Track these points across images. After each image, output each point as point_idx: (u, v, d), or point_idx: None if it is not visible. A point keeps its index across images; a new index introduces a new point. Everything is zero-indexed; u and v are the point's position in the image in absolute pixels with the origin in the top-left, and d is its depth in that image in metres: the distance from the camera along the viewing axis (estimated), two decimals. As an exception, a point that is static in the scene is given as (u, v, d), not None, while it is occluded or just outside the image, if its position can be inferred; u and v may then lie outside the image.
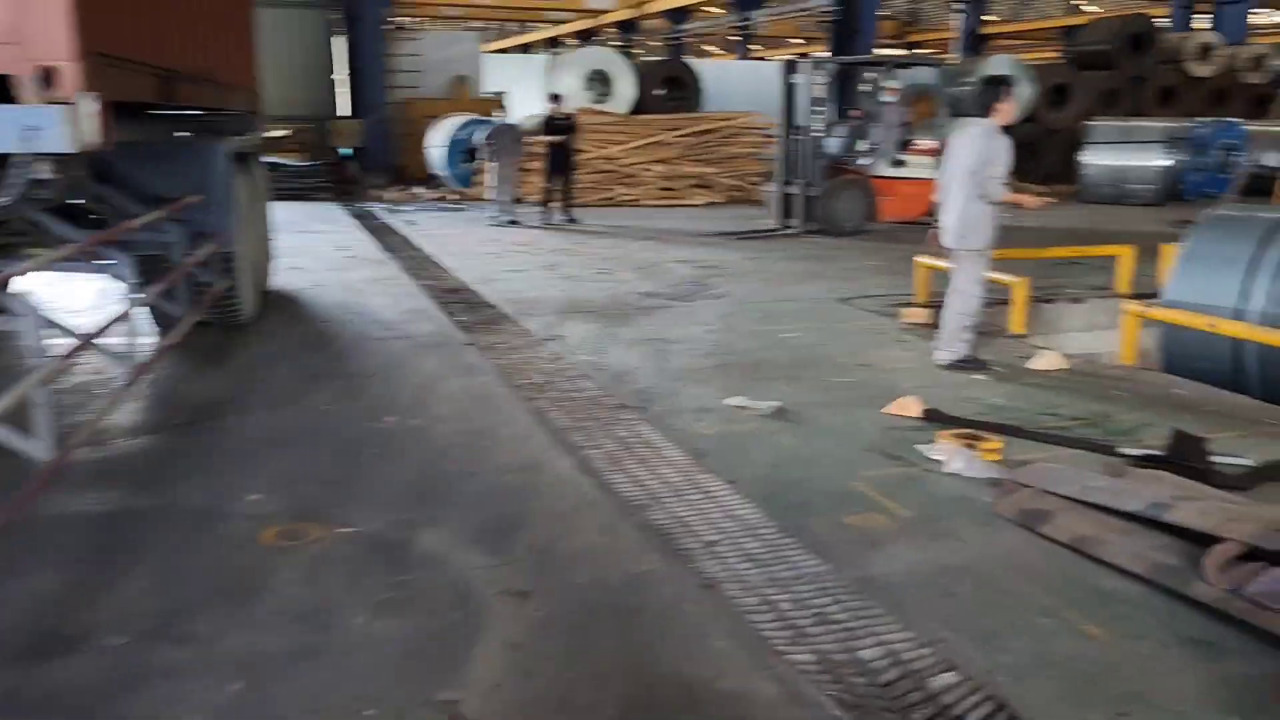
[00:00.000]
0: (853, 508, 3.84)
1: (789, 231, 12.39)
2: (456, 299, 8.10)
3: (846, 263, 10.22)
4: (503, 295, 8.26)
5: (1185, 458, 4.26)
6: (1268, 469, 4.20)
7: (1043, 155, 20.07)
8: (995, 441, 4.39)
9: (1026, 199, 6.08)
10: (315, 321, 7.38)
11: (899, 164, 12.48)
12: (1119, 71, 21.08)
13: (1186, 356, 6.32)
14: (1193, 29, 23.28)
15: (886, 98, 12.43)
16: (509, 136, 13.61)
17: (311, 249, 10.74)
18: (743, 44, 35.78)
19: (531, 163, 15.50)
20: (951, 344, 6.03)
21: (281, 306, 7.85)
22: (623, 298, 8.26)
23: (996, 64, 20.50)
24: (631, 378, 5.74)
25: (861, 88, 13.15)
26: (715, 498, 3.91)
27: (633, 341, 6.65)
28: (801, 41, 48.01)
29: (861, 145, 12.42)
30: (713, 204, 16.52)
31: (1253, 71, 21.73)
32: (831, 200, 12.06)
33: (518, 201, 13.98)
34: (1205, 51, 21.32)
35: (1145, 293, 8.50)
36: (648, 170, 16.52)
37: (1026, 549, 3.51)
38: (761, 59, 34.51)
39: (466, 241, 11.78)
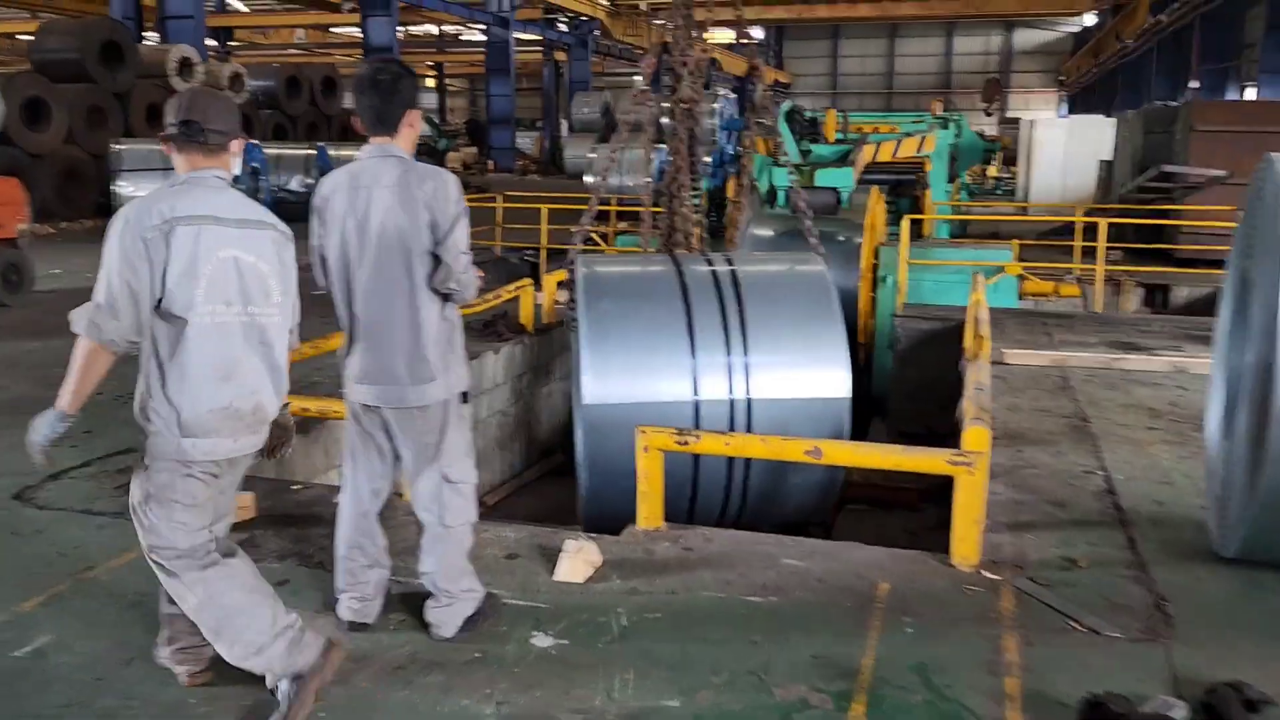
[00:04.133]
0: None
1: None
2: None
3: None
4: None
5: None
6: None
7: (34, 187, 15.87)
8: None
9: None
10: None
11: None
12: (99, 85, 17.78)
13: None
14: (153, 43, 21.09)
15: None
16: None
17: None
18: None
19: None
20: (459, 588, 3.05)
21: None
22: None
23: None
24: None
25: None
26: None
27: None
28: None
29: None
30: None
31: (232, 89, 20.59)
32: None
33: None
34: (186, 66, 19.36)
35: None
36: None
37: None
38: None
39: None
